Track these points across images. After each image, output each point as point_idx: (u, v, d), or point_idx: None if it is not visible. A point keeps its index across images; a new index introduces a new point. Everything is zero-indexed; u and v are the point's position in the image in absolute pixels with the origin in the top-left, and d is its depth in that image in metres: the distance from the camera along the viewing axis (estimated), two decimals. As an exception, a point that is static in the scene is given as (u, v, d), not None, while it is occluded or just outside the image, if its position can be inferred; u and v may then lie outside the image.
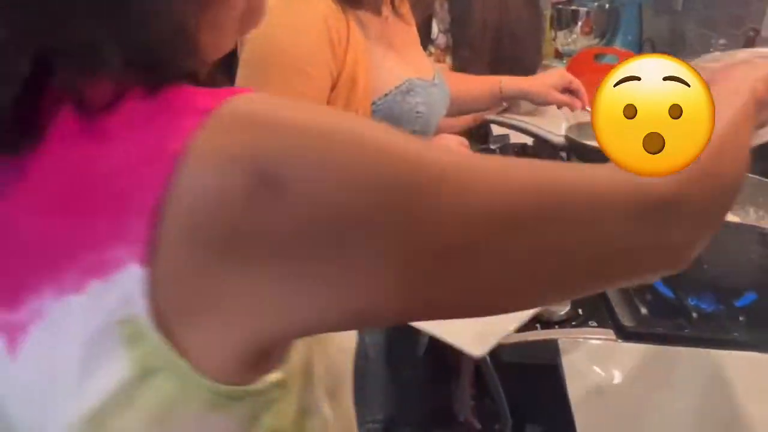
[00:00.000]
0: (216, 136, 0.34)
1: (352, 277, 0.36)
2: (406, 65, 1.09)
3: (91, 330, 0.35)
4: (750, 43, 1.31)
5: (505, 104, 1.48)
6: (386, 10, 1.09)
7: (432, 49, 1.69)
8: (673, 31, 2.30)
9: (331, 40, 0.97)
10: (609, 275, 0.44)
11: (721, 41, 1.86)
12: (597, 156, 1.09)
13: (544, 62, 2.36)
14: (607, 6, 2.21)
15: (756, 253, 0.82)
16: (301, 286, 0.35)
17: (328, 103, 1.01)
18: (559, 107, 1.46)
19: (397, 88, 1.04)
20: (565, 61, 2.16)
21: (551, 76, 1.42)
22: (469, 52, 1.64)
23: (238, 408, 0.38)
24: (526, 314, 0.83)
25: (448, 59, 1.69)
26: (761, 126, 0.55)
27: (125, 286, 0.34)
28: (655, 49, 2.29)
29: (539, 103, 1.45)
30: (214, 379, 0.36)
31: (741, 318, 0.81)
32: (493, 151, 1.36)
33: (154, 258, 0.34)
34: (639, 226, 0.41)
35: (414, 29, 1.22)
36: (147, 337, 0.35)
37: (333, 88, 1.00)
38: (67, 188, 0.35)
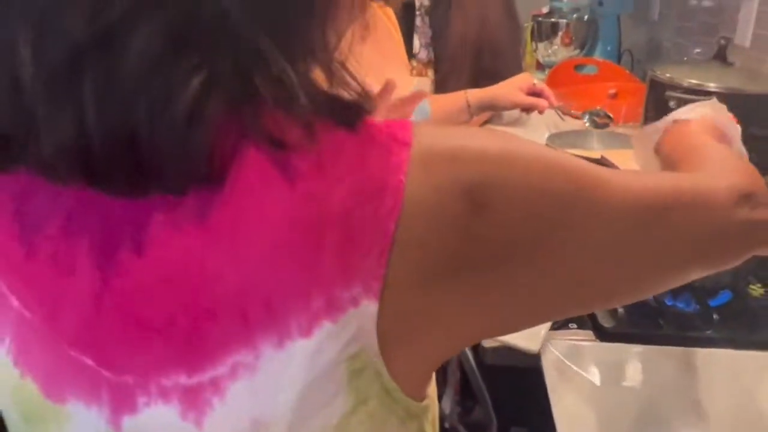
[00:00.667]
0: (425, 169, 0.35)
1: (550, 273, 0.40)
2: (371, 76, 1.12)
3: (316, 372, 0.34)
4: (722, 50, 1.34)
5: (473, 116, 1.52)
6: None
7: (414, 63, 1.72)
8: (650, 40, 2.35)
9: None
10: (727, 250, 0.53)
11: (697, 50, 1.91)
12: None
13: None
14: (585, 18, 2.25)
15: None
16: (505, 291, 0.39)
17: None
18: (526, 111, 1.51)
19: None
20: (546, 72, 2.20)
21: (515, 80, 1.48)
22: (450, 65, 1.68)
23: (416, 423, 0.40)
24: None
25: (430, 73, 1.72)
26: None
27: (359, 323, 0.34)
28: (633, 59, 2.34)
29: (506, 107, 1.50)
30: (412, 398, 0.38)
31: (716, 317, 0.84)
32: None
33: (385, 291, 0.34)
34: (740, 209, 0.50)
35: (394, 47, 1.25)
36: (370, 367, 0.35)
37: None
38: (281, 229, 0.34)
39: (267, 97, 0.33)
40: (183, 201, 0.34)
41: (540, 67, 2.42)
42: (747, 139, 1.28)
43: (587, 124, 1.40)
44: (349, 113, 0.36)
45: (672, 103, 1.29)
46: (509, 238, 0.37)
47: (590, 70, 2.09)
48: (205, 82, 0.32)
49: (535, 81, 1.47)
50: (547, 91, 1.48)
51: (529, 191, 0.38)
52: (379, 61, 1.17)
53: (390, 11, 1.29)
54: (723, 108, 0.76)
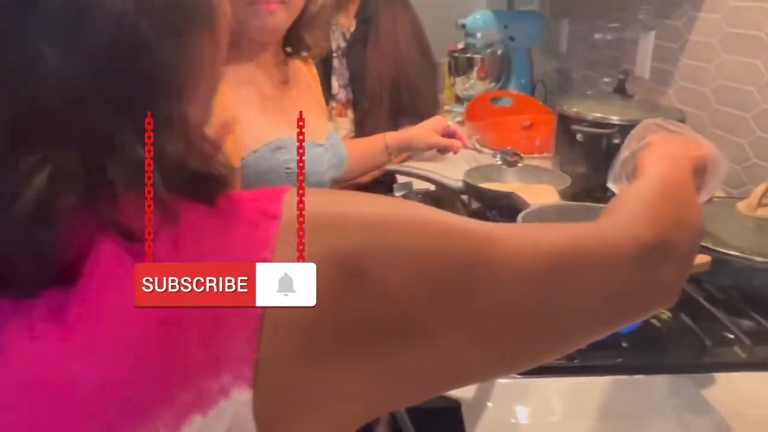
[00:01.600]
0: (295, 240, 0.34)
1: (437, 346, 0.38)
2: (283, 124, 1.13)
3: None
4: (621, 84, 1.42)
5: (392, 157, 1.55)
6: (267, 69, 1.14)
7: (333, 104, 1.74)
8: (561, 72, 2.46)
9: None
10: (625, 312, 0.51)
11: (605, 79, 2.01)
12: (493, 198, 1.15)
13: (446, 107, 2.47)
14: (499, 52, 2.34)
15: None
16: (390, 364, 0.37)
17: None
18: (441, 152, 1.56)
19: (266, 145, 1.08)
20: (465, 105, 2.26)
21: (429, 122, 1.53)
22: (369, 104, 1.71)
23: None
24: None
25: (350, 113, 1.75)
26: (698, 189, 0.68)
27: (234, 412, 0.32)
28: (546, 90, 2.44)
29: (423, 148, 1.56)
30: None
31: (624, 344, 0.87)
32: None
33: (258, 375, 0.32)
34: (641, 267, 0.48)
35: (313, 91, 1.27)
36: None
37: None
38: (140, 323, 0.32)
39: (120, 184, 0.32)
40: (37, 302, 0.32)
41: (459, 100, 2.48)
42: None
43: (499, 162, 1.45)
44: (210, 189, 0.35)
45: (579, 136, 1.36)
46: (395, 309, 0.36)
47: (505, 102, 2.17)
48: (50, 178, 0.31)
49: (450, 123, 1.52)
50: (460, 131, 1.54)
51: (413, 259, 0.37)
52: (291, 108, 1.19)
53: (311, 64, 1.31)
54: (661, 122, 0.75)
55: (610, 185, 0.79)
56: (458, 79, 2.40)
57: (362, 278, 0.35)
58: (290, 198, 0.36)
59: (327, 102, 1.71)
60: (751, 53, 1.29)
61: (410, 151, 1.63)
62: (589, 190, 1.33)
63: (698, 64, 1.48)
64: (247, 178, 1.07)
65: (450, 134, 1.53)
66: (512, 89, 2.38)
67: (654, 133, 0.72)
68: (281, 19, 1.11)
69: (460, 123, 2.18)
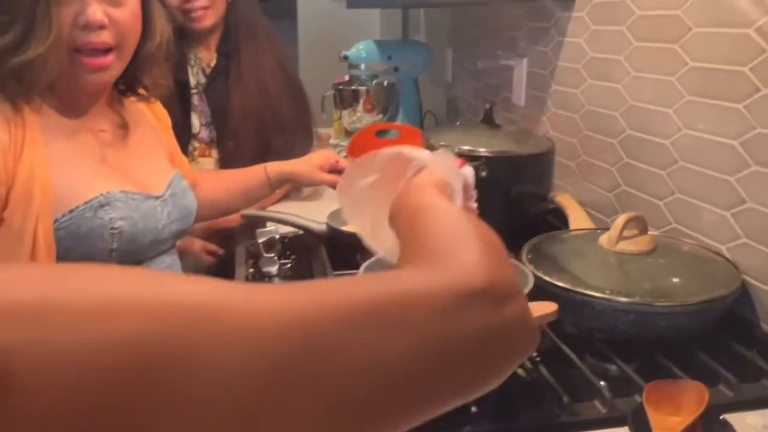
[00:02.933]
0: None
1: None
2: (112, 178, 1.00)
3: None
4: (488, 114, 1.36)
5: (274, 190, 1.43)
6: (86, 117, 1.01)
7: (195, 143, 1.61)
8: (448, 101, 2.41)
9: None
10: (476, 371, 0.40)
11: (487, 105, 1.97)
12: (352, 242, 1.00)
13: (333, 141, 2.38)
14: (385, 83, 2.27)
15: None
16: None
17: (3, 220, 0.89)
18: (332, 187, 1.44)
19: (87, 203, 0.94)
20: (352, 138, 2.18)
21: (316, 157, 1.40)
22: (234, 143, 1.58)
23: None
24: None
25: (214, 152, 1.62)
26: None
27: None
28: (436, 120, 2.39)
29: (306, 184, 1.42)
30: None
31: (473, 409, 0.77)
32: (258, 246, 1.28)
33: None
34: (468, 314, 0.39)
35: (157, 147, 1.14)
36: None
37: (5, 206, 0.88)
38: None
39: None
40: None
41: (348, 134, 2.40)
42: (517, 196, 1.29)
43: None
44: None
45: (446, 170, 1.27)
46: (66, 425, 0.27)
47: (391, 135, 2.09)
48: None
49: (339, 159, 1.40)
50: None
51: (81, 355, 0.28)
52: (122, 158, 1.05)
53: (158, 106, 1.18)
54: (446, 154, 0.65)
55: (370, 245, 0.69)
56: (344, 112, 2.32)
57: (7, 386, 0.26)
58: None
59: (187, 142, 1.58)
60: (613, 78, 1.26)
61: (293, 184, 1.51)
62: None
63: (567, 90, 1.44)
64: (62, 242, 0.92)
65: (338, 171, 1.39)
66: (401, 120, 2.31)
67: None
68: (114, 71, 0.99)
69: (344, 158, 2.10)
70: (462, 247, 0.43)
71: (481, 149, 1.26)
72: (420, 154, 0.62)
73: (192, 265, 1.54)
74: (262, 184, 1.37)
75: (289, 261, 1.29)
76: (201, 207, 1.31)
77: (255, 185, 1.37)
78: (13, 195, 0.88)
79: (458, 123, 2.04)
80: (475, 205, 0.68)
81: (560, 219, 1.33)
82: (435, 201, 0.53)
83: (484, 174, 1.23)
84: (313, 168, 1.37)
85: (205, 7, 1.53)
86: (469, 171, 0.67)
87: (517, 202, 1.28)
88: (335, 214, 1.31)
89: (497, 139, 1.31)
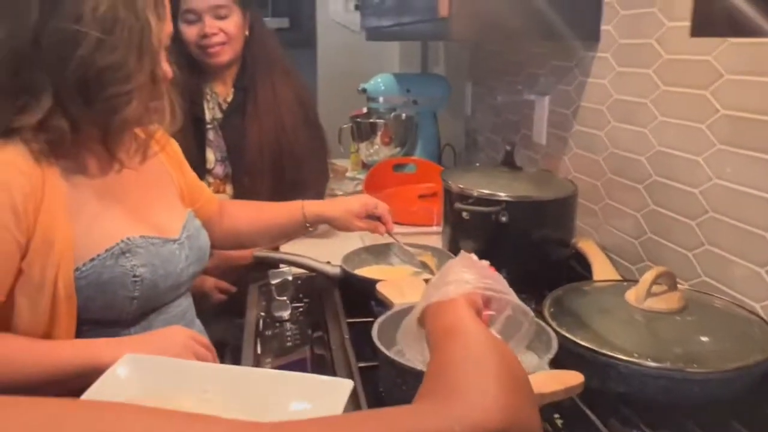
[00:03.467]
0: None
1: None
2: (131, 223, 0.97)
3: None
4: (509, 156, 1.32)
5: (311, 229, 1.39)
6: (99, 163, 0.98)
7: (210, 179, 1.58)
8: (467, 135, 2.38)
9: (13, 205, 0.83)
10: None
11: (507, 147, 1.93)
12: (367, 288, 0.98)
13: (350, 174, 2.35)
14: (403, 116, 2.25)
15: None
16: None
17: (22, 271, 0.86)
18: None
19: (108, 250, 0.91)
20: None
21: (353, 203, 1.34)
22: (249, 179, 1.56)
23: None
24: None
25: (229, 188, 1.60)
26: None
27: None
28: (455, 153, 2.36)
29: (341, 229, 1.37)
30: None
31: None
32: (271, 287, 1.25)
33: None
34: None
35: (168, 183, 1.11)
36: None
37: (24, 255, 0.86)
38: None
39: None
40: None
41: (365, 166, 2.37)
42: (538, 241, 1.25)
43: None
44: None
45: (464, 215, 1.24)
46: None
47: (409, 169, 2.06)
48: None
49: (378, 205, 1.33)
50: (387, 215, 1.33)
51: None
52: (139, 199, 1.03)
53: (172, 144, 1.15)
54: (475, 262, 0.67)
55: (399, 341, 0.70)
56: (362, 145, 2.30)
57: None
58: None
59: (202, 177, 1.56)
60: (638, 121, 1.22)
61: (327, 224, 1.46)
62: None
63: (590, 131, 1.40)
64: (83, 292, 0.90)
65: (376, 216, 1.34)
66: (419, 154, 2.29)
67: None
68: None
69: (360, 192, 2.07)
70: (483, 385, 0.44)
71: (502, 193, 1.22)
72: (453, 274, 0.64)
73: (203, 304, 1.51)
74: (298, 223, 1.33)
75: (302, 305, 1.25)
76: (224, 237, 1.29)
77: (290, 223, 1.34)
78: (33, 245, 0.86)
79: (477, 164, 2.00)
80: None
81: (583, 265, 1.28)
82: (466, 325, 0.53)
83: (504, 219, 1.20)
84: (350, 215, 1.32)
85: (222, 43, 1.52)
86: (499, 277, 0.67)
87: (538, 247, 1.24)
88: (350, 257, 1.27)
89: (518, 182, 1.27)
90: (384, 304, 1.00)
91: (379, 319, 0.87)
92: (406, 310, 0.90)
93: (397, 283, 1.01)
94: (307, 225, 1.34)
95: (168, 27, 0.93)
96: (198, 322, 1.14)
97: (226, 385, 0.79)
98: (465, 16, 1.27)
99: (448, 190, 1.29)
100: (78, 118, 0.88)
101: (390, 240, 1.35)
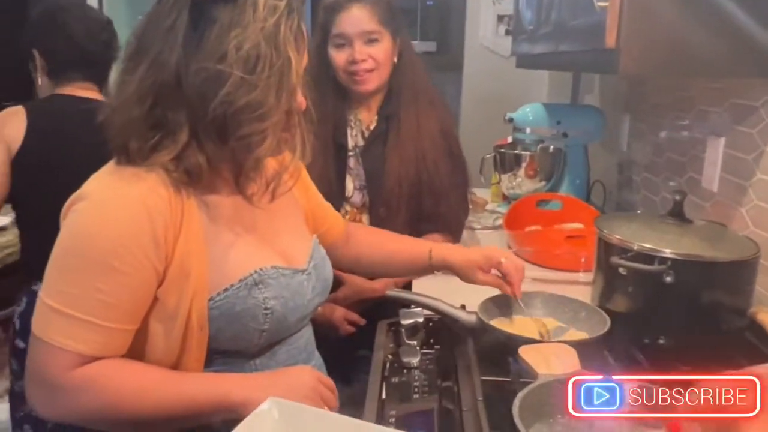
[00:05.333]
0: None
1: None
2: (263, 252, 0.94)
3: None
4: (678, 206, 1.16)
5: (434, 272, 1.32)
6: (233, 193, 0.96)
7: (347, 207, 1.55)
8: (621, 172, 2.20)
9: (154, 232, 0.83)
10: None
11: (671, 183, 1.75)
12: (504, 343, 0.88)
13: (489, 206, 2.25)
14: (551, 149, 2.12)
15: None
16: None
17: (157, 299, 0.85)
18: None
19: (241, 281, 0.89)
20: (511, 205, 2.04)
21: (479, 256, 1.22)
22: (386, 210, 1.51)
23: None
24: None
25: (365, 218, 1.55)
26: None
27: None
28: (605, 190, 2.19)
29: (464, 280, 1.26)
30: None
31: None
32: (400, 328, 1.18)
33: None
34: None
35: (293, 208, 1.08)
36: None
37: (161, 283, 0.85)
38: None
39: None
40: None
41: (506, 198, 2.26)
42: (708, 308, 1.08)
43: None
44: None
45: (621, 270, 1.10)
46: None
47: (554, 206, 1.92)
48: None
49: (503, 259, 1.20)
50: (513, 276, 1.19)
51: None
52: (268, 227, 1.00)
53: (299, 167, 1.13)
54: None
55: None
56: (504, 176, 2.19)
57: None
58: None
59: (340, 205, 1.53)
60: None
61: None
62: (632, 340, 1.06)
63: (778, 183, 1.21)
64: (215, 322, 0.88)
65: (501, 271, 1.21)
66: (565, 189, 2.14)
67: None
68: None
69: (500, 227, 1.96)
70: None
71: (667, 250, 1.07)
72: None
73: (330, 334, 1.47)
74: (423, 263, 1.26)
75: (432, 351, 1.17)
76: (344, 259, 1.25)
77: (414, 261, 1.27)
78: (170, 273, 0.85)
79: (639, 211, 1.82)
80: None
81: (761, 338, 1.09)
82: None
83: (669, 280, 1.05)
84: (473, 268, 1.21)
85: (370, 70, 1.49)
86: None
87: (708, 315, 1.07)
88: (487, 305, 1.18)
89: (687, 237, 1.11)
90: (525, 369, 0.89)
91: (521, 393, 0.77)
92: (551, 384, 0.80)
93: (542, 350, 0.90)
94: (432, 268, 1.27)
95: (304, 60, 0.90)
96: (317, 353, 1.09)
97: None
98: (637, 47, 1.13)
99: (603, 240, 1.16)
100: (213, 155, 0.87)
101: (532, 286, 1.23)
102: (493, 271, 1.21)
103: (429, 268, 1.27)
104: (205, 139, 0.85)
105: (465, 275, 1.23)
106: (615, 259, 1.08)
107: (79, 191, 0.87)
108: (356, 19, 1.46)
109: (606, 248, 1.15)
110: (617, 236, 1.12)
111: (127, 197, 0.83)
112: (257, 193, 0.96)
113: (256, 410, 0.77)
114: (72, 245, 0.84)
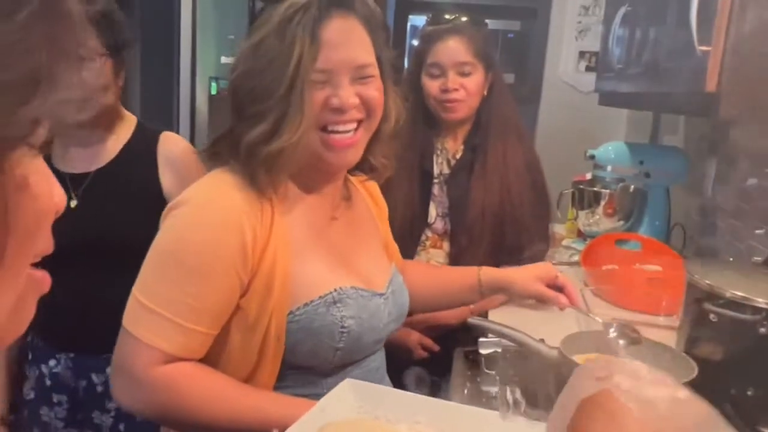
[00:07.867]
0: None
1: None
2: (344, 271, 0.97)
3: None
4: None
5: (483, 297, 1.32)
6: (327, 212, 1.00)
7: (429, 233, 1.58)
8: (704, 217, 2.15)
9: (244, 244, 0.87)
10: None
11: (758, 231, 1.70)
12: None
13: (566, 242, 2.23)
14: (632, 188, 2.09)
15: None
16: None
17: (239, 308, 0.90)
18: (542, 303, 1.30)
19: (321, 297, 0.92)
20: (587, 242, 2.02)
21: (536, 268, 1.27)
22: (467, 239, 1.53)
23: None
24: None
25: (446, 245, 1.58)
26: None
27: None
28: (686, 235, 2.14)
29: (521, 295, 1.28)
30: None
31: None
32: (479, 357, 1.19)
33: None
34: None
35: (374, 231, 1.12)
36: None
37: (244, 293, 0.89)
38: None
39: None
40: None
41: (581, 235, 2.24)
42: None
43: (613, 335, 1.18)
44: None
45: (712, 316, 1.08)
46: None
47: (633, 246, 1.90)
48: None
49: (558, 274, 1.25)
50: (571, 288, 1.25)
51: None
52: (350, 247, 1.03)
53: (377, 192, 1.17)
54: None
55: None
56: (582, 213, 2.18)
57: None
58: None
59: (422, 231, 1.56)
60: None
61: (506, 294, 1.39)
62: (720, 390, 1.04)
63: None
64: (292, 335, 0.91)
65: (557, 287, 1.27)
66: (644, 231, 2.11)
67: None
68: (359, 148, 0.97)
69: (576, 264, 1.94)
70: None
71: (760, 299, 1.04)
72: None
73: (404, 358, 1.49)
74: (473, 288, 1.27)
75: (511, 384, 1.17)
76: None
77: (463, 289, 1.28)
78: (254, 284, 0.89)
79: (731, 259, 1.78)
80: None
81: None
82: None
83: (764, 331, 1.02)
84: (532, 278, 1.24)
85: (461, 100, 1.52)
86: None
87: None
88: (572, 340, 1.17)
89: (783, 288, 1.09)
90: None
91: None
92: None
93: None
94: (483, 291, 1.27)
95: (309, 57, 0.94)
96: (387, 378, 1.11)
97: (437, 417, 0.82)
98: (738, 92, 1.13)
99: (693, 285, 1.14)
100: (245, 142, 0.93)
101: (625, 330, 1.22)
102: None
103: (479, 291, 1.27)
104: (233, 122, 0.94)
105: (522, 287, 1.24)
106: (708, 306, 1.06)
107: (180, 196, 0.91)
108: (452, 50, 1.50)
109: (695, 293, 1.13)
110: (707, 281, 1.11)
111: (223, 207, 0.88)
112: (339, 207, 1.00)
113: (333, 391, 0.80)
114: (167, 249, 0.89)
